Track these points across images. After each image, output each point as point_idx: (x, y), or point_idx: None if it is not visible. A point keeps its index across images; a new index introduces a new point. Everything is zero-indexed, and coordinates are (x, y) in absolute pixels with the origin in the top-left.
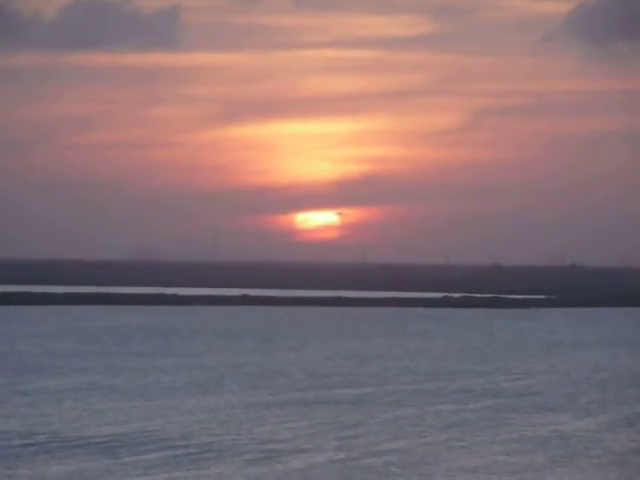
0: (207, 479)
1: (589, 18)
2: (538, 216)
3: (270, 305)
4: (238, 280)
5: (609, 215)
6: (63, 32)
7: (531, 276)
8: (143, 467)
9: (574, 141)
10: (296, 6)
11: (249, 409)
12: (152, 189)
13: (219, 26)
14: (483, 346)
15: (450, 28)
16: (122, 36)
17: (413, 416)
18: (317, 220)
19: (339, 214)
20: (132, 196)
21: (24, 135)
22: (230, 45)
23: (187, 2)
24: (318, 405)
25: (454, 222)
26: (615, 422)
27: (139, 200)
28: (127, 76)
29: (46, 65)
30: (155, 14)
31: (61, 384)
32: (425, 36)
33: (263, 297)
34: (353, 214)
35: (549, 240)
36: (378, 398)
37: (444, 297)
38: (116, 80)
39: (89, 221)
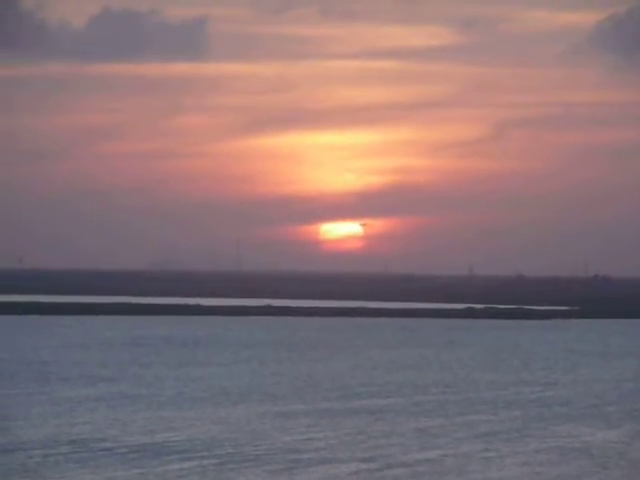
0: None
1: (617, 29)
2: (561, 227)
3: (294, 315)
4: (262, 290)
5: (633, 227)
6: (90, 42)
7: (555, 287)
8: (170, 477)
9: (600, 153)
10: (322, 17)
11: (275, 419)
12: (175, 199)
13: (245, 36)
14: (508, 357)
15: (475, 39)
16: (148, 46)
17: (441, 427)
18: (341, 231)
19: (363, 225)
20: (155, 206)
21: (53, 144)
22: (255, 55)
23: (214, 12)
24: (345, 415)
25: (477, 233)
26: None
27: (162, 210)
28: (152, 86)
29: (73, 75)
30: (182, 24)
31: (88, 393)
32: (450, 47)
33: (287, 307)
34: (376, 225)
35: (573, 251)
36: (405, 408)
37: (467, 308)
38: (141, 90)
39: (114, 231)
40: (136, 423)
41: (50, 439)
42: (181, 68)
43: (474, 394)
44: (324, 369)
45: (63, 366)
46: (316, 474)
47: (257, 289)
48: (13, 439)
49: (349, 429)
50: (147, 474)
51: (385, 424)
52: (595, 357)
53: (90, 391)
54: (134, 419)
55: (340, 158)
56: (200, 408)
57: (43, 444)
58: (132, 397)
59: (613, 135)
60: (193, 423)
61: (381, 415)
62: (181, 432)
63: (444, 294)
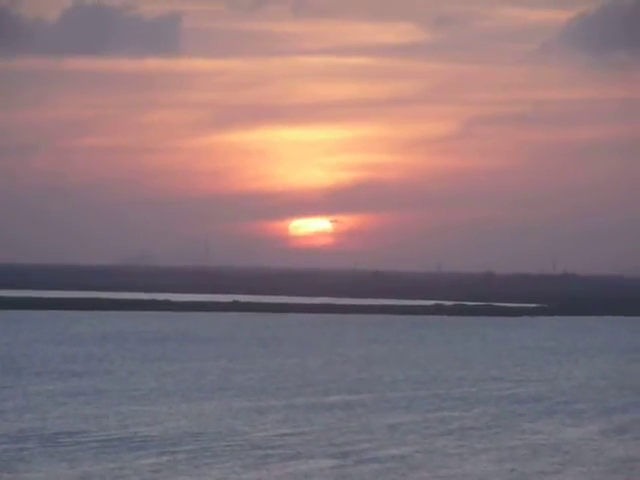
0: None
1: (587, 27)
2: (531, 224)
3: (261, 312)
4: (230, 286)
5: (603, 223)
6: (64, 37)
7: (524, 284)
8: (144, 471)
9: (569, 149)
10: (295, 13)
11: (247, 414)
12: (145, 195)
13: (218, 32)
14: (477, 354)
15: (446, 37)
16: (122, 41)
17: (412, 423)
18: (310, 227)
19: (333, 221)
20: (125, 202)
21: (24, 139)
22: (228, 51)
23: (188, 8)
24: (317, 411)
25: (446, 230)
26: (610, 429)
27: (132, 206)
28: (126, 81)
29: (46, 69)
30: (156, 20)
31: (60, 388)
32: (421, 44)
33: (254, 303)
34: (346, 221)
35: (542, 248)
36: (377, 404)
37: (436, 305)
38: (115, 85)
39: (83, 225)
40: (109, 417)
41: (22, 433)
42: (154, 64)
43: (445, 390)
44: (295, 365)
45: (34, 361)
46: (288, 469)
47: (225, 285)
48: None
49: (321, 425)
50: (121, 468)
51: (357, 420)
52: (564, 354)
53: (62, 386)
54: (107, 414)
55: (310, 154)
56: (173, 403)
57: (15, 438)
58: (104, 392)
59: (582, 132)
60: (166, 418)
61: (353, 411)
62: (154, 427)
63: (413, 291)
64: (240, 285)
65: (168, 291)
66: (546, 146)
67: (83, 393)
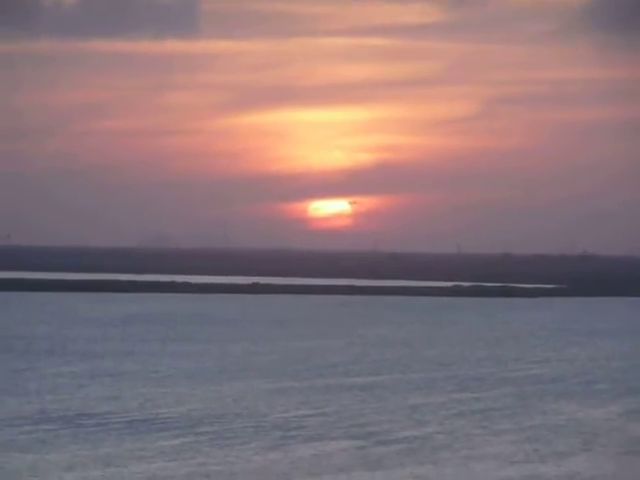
0: (223, 465)
1: (605, 7)
2: (549, 204)
3: (281, 293)
4: (249, 268)
5: (621, 203)
6: (83, 19)
7: (542, 265)
8: (165, 452)
9: (587, 129)
10: None
11: (267, 396)
12: (165, 176)
13: (237, 13)
14: (496, 335)
15: (466, 16)
16: (141, 23)
17: (433, 404)
18: (329, 208)
19: (352, 203)
20: (144, 184)
21: (42, 121)
22: (247, 33)
23: None
24: (336, 392)
25: (465, 210)
26: (631, 410)
27: (151, 188)
28: (144, 63)
29: (65, 51)
30: (175, 1)
31: (81, 369)
32: (440, 24)
33: (274, 285)
34: (365, 202)
35: (560, 228)
36: (396, 386)
37: (454, 286)
38: (133, 67)
39: (102, 208)
40: (130, 399)
41: (44, 415)
42: (172, 45)
43: (465, 371)
44: (315, 346)
45: (54, 343)
46: (309, 450)
47: (245, 267)
48: (6, 414)
49: (342, 406)
50: (143, 449)
51: (377, 401)
52: (584, 335)
53: (83, 367)
54: (128, 395)
55: (329, 136)
56: (194, 384)
57: (37, 420)
58: (125, 373)
59: (600, 112)
60: (187, 399)
61: (373, 392)
62: (175, 408)
63: (431, 272)
64: (260, 267)
65: (187, 273)
66: (564, 126)
67: (104, 375)
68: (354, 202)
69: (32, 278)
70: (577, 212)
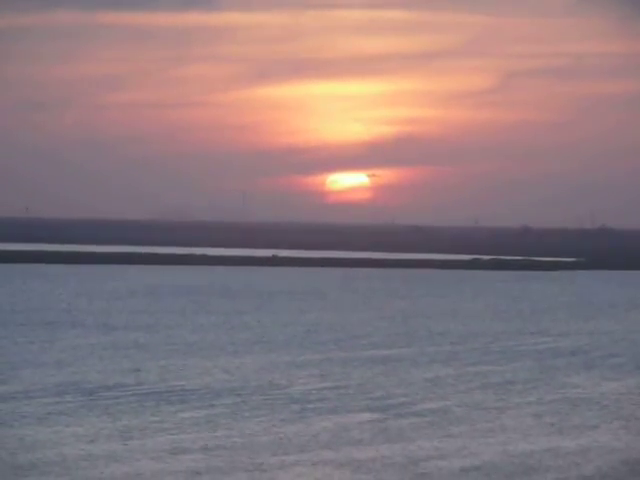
0: (243, 437)
1: None
2: (568, 178)
3: (299, 266)
4: (267, 241)
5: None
6: None
7: (561, 238)
8: (185, 424)
9: (610, 104)
10: None
11: (286, 368)
12: (183, 148)
13: None
14: (515, 308)
15: None
16: None
17: (451, 376)
18: (347, 181)
19: (371, 176)
20: (161, 157)
21: (60, 93)
22: (264, 5)
23: None
24: (355, 365)
25: (484, 184)
26: None
27: (168, 161)
28: (163, 36)
29: (82, 24)
30: None
31: (100, 341)
32: None
33: (292, 258)
34: (384, 175)
35: (579, 203)
36: (415, 358)
37: (473, 259)
38: (152, 40)
39: (120, 180)
40: (149, 371)
41: (62, 387)
42: (189, 18)
43: (484, 345)
44: (333, 319)
45: (72, 315)
46: (327, 423)
47: (263, 239)
48: (25, 386)
49: (359, 379)
50: (161, 422)
51: (395, 374)
52: (602, 309)
53: (101, 339)
54: (147, 367)
55: (348, 108)
56: (212, 357)
57: (55, 392)
58: (143, 345)
59: (623, 86)
60: (205, 371)
61: (391, 365)
62: (193, 380)
63: (450, 245)
64: (277, 239)
65: (205, 245)
66: (585, 99)
67: (122, 347)
68: (373, 175)
69: (50, 250)
70: (595, 185)
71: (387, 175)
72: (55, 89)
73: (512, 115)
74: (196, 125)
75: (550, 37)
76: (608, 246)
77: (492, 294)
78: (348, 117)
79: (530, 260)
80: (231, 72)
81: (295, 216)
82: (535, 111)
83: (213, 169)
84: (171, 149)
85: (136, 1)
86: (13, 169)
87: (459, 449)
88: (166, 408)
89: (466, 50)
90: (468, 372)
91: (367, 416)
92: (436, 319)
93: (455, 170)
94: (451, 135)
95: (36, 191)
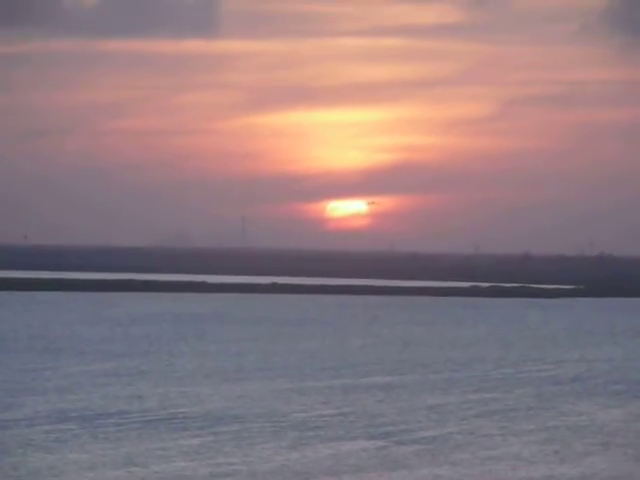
0: (243, 464)
1: (626, 8)
2: (567, 206)
3: (299, 293)
4: (267, 268)
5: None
6: (102, 18)
7: (560, 266)
8: (186, 451)
9: (610, 132)
10: None
11: (287, 395)
12: (183, 176)
13: (255, 14)
14: (515, 335)
15: (484, 16)
16: (159, 23)
17: (452, 404)
18: (347, 209)
19: (370, 203)
20: (162, 184)
21: (61, 121)
22: (265, 33)
23: None
24: (356, 392)
25: (483, 211)
26: None
27: (169, 187)
28: (163, 63)
29: (84, 51)
30: (194, 2)
31: (101, 368)
32: (457, 25)
33: (292, 285)
34: (383, 202)
35: (578, 229)
36: (415, 386)
37: (472, 286)
38: (152, 67)
39: (119, 207)
40: (150, 398)
41: (64, 414)
42: (190, 45)
43: (484, 372)
44: (334, 346)
45: (73, 342)
46: (329, 450)
47: (263, 267)
48: (27, 413)
49: (361, 406)
50: (164, 449)
51: (397, 401)
52: (603, 336)
53: (102, 366)
54: (148, 394)
55: (347, 136)
56: (213, 383)
57: (57, 419)
58: (145, 372)
59: (622, 114)
60: (207, 398)
61: (392, 392)
62: (195, 407)
63: (450, 272)
64: (277, 267)
65: (205, 273)
66: (583, 127)
67: (124, 374)
68: (372, 202)
69: (50, 278)
70: (595, 212)
71: (386, 202)
72: (55, 116)
73: (511, 143)
74: (196, 152)
75: (549, 65)
76: (607, 273)
77: (492, 321)
78: (348, 144)
79: (530, 287)
80: (231, 100)
81: (295, 243)
82: (534, 139)
83: (213, 196)
84: (171, 176)
85: (136, 28)
86: (12, 196)
87: (460, 477)
88: (168, 435)
89: (465, 78)
90: (469, 399)
91: (368, 443)
92: (436, 346)
93: (454, 197)
94: (450, 162)
95: (35, 219)
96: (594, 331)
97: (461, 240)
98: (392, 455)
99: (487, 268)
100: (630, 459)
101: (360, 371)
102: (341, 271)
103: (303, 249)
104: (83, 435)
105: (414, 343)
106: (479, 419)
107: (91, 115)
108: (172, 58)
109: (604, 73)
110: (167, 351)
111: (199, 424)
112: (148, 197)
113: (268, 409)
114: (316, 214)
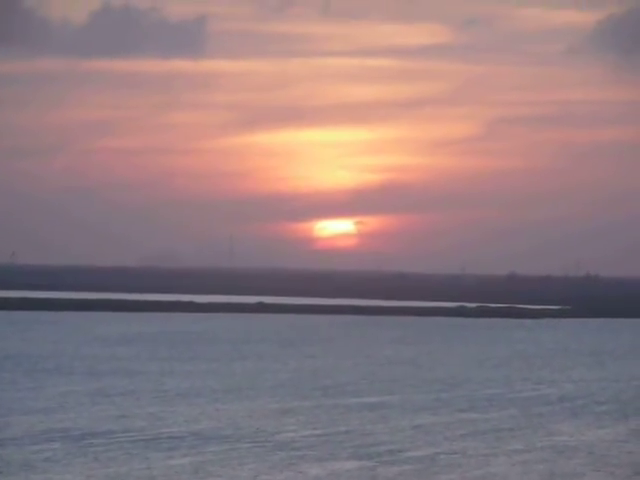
0: None
1: (612, 29)
2: (554, 226)
3: (286, 313)
4: (254, 287)
5: (626, 225)
6: (90, 39)
7: (546, 286)
8: (173, 471)
9: (594, 150)
10: (321, 15)
11: (274, 415)
12: (169, 196)
13: (244, 34)
14: (502, 355)
15: (471, 38)
16: (147, 43)
17: (439, 424)
18: (334, 228)
19: (358, 223)
20: (149, 203)
21: (48, 140)
22: (253, 53)
23: (214, 10)
24: (342, 412)
25: (470, 231)
26: (637, 431)
27: (156, 207)
28: (150, 82)
29: (72, 71)
30: (181, 22)
31: (89, 388)
32: (445, 46)
33: (279, 305)
34: (370, 222)
35: (564, 250)
36: (402, 405)
37: (459, 307)
38: (140, 86)
39: (107, 227)
40: (138, 418)
41: (52, 434)
42: (178, 65)
43: (471, 392)
44: (321, 366)
45: (61, 361)
46: (317, 470)
47: (250, 286)
48: (13, 433)
49: (349, 426)
50: (150, 468)
51: (384, 421)
52: (589, 356)
53: (90, 386)
54: (135, 414)
55: (335, 155)
56: (200, 403)
57: (45, 439)
58: (132, 392)
59: (608, 134)
60: (194, 418)
61: (380, 412)
62: (183, 427)
63: (436, 292)
64: (264, 286)
65: (192, 292)
66: (570, 148)
67: (112, 394)
68: (359, 222)
69: (38, 297)
70: (581, 233)
71: (373, 222)
72: (43, 135)
73: (498, 162)
74: (185, 172)
75: (537, 85)
76: (594, 294)
77: (479, 342)
78: (336, 164)
79: (516, 308)
80: (219, 119)
81: (283, 262)
82: (521, 159)
83: (201, 215)
84: (159, 195)
85: (123, 48)
86: (2, 216)
87: None
88: (154, 455)
89: (452, 98)
90: (456, 419)
91: (356, 463)
92: (423, 366)
93: (441, 217)
94: (437, 182)
95: (23, 237)
96: (581, 351)
97: (448, 260)
98: (381, 475)
99: (473, 288)
100: (618, 479)
101: (347, 391)
102: (328, 291)
103: (290, 268)
104: (69, 455)
105: (401, 363)
106: (468, 439)
107: (79, 134)
108: (160, 77)
109: (592, 93)
110: (155, 371)
111: (187, 444)
112: (136, 216)
113: (256, 429)
114: (304, 233)
